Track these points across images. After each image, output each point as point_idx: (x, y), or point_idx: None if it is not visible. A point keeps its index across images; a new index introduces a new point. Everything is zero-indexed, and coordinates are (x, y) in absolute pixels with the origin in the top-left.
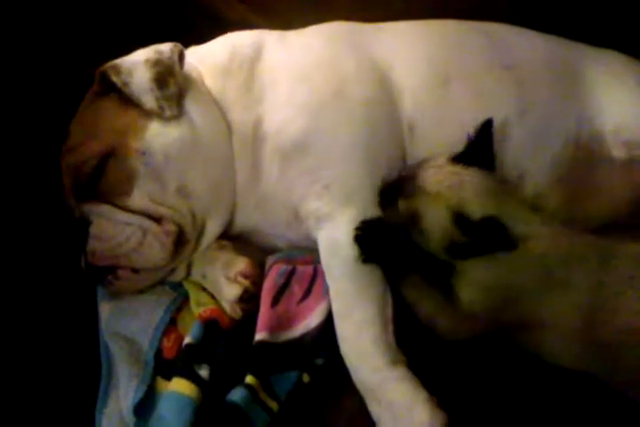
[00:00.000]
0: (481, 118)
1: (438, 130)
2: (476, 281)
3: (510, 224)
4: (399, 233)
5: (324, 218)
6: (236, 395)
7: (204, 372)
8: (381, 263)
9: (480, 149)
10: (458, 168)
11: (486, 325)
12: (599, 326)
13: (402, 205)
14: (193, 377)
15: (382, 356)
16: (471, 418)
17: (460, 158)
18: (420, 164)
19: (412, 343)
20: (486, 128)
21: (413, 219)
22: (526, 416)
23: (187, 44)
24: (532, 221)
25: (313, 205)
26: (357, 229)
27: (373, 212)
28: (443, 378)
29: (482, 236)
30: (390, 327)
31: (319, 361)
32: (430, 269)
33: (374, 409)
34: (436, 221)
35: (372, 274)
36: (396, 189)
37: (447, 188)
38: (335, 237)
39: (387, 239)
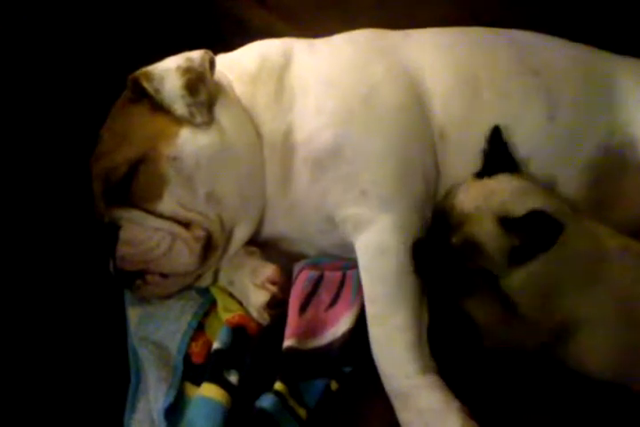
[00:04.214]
0: (510, 124)
1: (468, 136)
2: (528, 285)
3: (554, 215)
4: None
5: (364, 223)
6: (266, 401)
7: (233, 377)
8: (435, 279)
9: (498, 157)
10: (484, 181)
11: (545, 330)
12: (637, 325)
13: (454, 239)
14: (222, 382)
15: (415, 362)
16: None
17: (484, 172)
18: (448, 195)
19: (444, 352)
20: (495, 136)
21: (470, 246)
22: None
23: (213, 52)
24: (569, 216)
25: (351, 210)
26: (414, 244)
27: (412, 216)
28: (474, 388)
29: (530, 228)
30: (424, 335)
31: (347, 369)
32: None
33: (404, 416)
34: (487, 234)
35: (411, 280)
36: (441, 229)
37: (483, 200)
38: (377, 242)
39: (442, 255)
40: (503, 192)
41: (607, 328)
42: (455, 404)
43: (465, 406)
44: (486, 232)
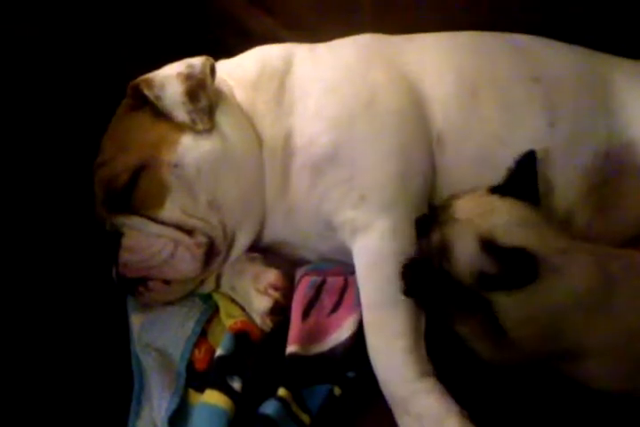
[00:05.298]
0: (509, 131)
1: (466, 142)
2: (515, 313)
3: (545, 255)
4: (432, 264)
5: (361, 228)
6: (269, 408)
7: (236, 384)
8: (425, 300)
9: (522, 182)
10: (493, 197)
11: (533, 354)
12: None
13: (434, 234)
14: (226, 389)
15: (413, 367)
16: None
17: (501, 190)
18: (458, 193)
19: (442, 357)
20: (529, 160)
21: (444, 248)
22: None
23: (215, 58)
24: (568, 250)
25: (349, 214)
26: (405, 265)
27: (409, 223)
28: (473, 392)
29: (509, 266)
30: (422, 340)
31: (350, 374)
32: (470, 303)
33: (404, 422)
34: (463, 248)
35: None
36: (431, 218)
37: (478, 215)
38: (372, 248)
39: (432, 277)
40: (502, 216)
41: (618, 354)
42: (454, 408)
43: (464, 411)
44: (463, 246)
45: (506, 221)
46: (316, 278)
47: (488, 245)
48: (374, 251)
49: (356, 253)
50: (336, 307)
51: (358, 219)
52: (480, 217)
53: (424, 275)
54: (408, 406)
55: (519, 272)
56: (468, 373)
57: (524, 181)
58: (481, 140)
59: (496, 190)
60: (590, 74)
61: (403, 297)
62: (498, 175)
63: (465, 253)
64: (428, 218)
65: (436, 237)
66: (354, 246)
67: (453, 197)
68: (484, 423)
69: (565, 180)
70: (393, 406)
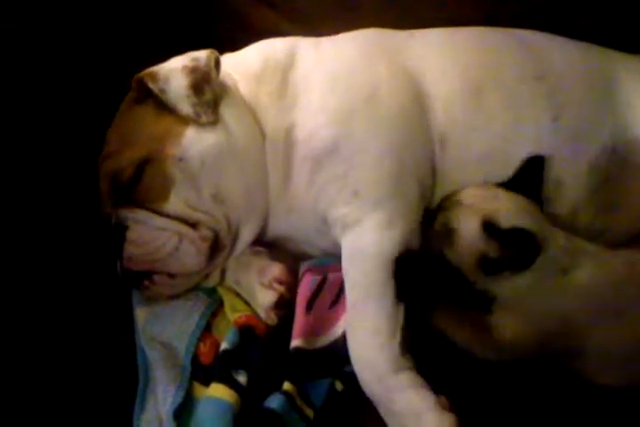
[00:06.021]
0: (513, 128)
1: (469, 141)
2: (520, 313)
3: (553, 254)
4: (435, 257)
5: (351, 224)
6: (274, 402)
7: (241, 378)
8: (417, 299)
9: (528, 183)
10: (499, 188)
11: (529, 353)
12: None
13: (438, 219)
14: (231, 383)
15: (385, 364)
16: (485, 419)
17: (506, 187)
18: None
19: (427, 349)
20: (537, 163)
21: (447, 231)
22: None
23: (219, 52)
24: (574, 251)
25: (341, 210)
26: (398, 264)
27: (400, 221)
28: (458, 381)
29: (510, 245)
30: (398, 336)
31: (348, 369)
32: (468, 300)
33: (388, 420)
34: (466, 230)
35: (387, 283)
36: (437, 207)
37: (483, 200)
38: (358, 244)
39: (425, 273)
40: (506, 203)
41: (622, 352)
42: (429, 402)
43: (443, 399)
44: (466, 228)
45: (509, 207)
46: (318, 273)
47: (490, 226)
48: (357, 247)
49: (343, 248)
50: (335, 301)
51: (349, 215)
52: (484, 202)
53: (417, 269)
54: (387, 405)
55: (521, 251)
56: (458, 364)
57: (529, 182)
58: (484, 139)
59: (502, 186)
60: (595, 69)
61: (390, 278)
62: (501, 173)
63: (467, 236)
64: (436, 207)
65: (440, 221)
66: (342, 242)
67: (460, 189)
68: (473, 413)
69: (571, 176)
70: (378, 407)
